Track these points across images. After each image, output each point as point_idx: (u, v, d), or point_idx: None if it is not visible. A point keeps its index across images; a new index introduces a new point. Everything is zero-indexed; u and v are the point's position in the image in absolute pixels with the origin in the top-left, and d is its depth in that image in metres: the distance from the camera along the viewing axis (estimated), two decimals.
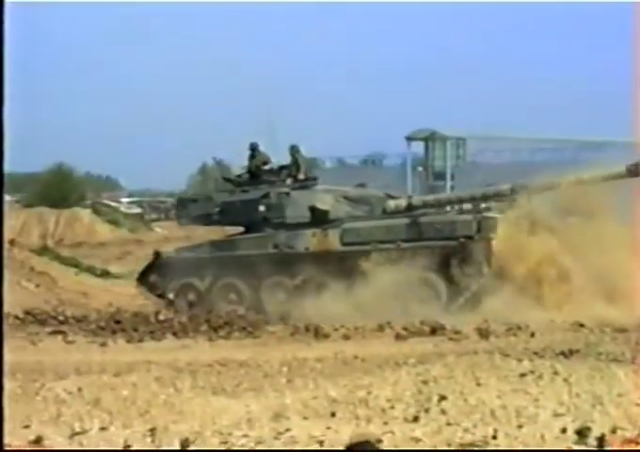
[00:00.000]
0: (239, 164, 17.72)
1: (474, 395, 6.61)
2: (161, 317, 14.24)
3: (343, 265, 15.06)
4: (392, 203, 16.24)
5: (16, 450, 5.85)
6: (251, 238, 16.43)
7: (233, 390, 8.57)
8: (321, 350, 11.05)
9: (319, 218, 15.96)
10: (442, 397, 6.57)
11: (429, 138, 44.31)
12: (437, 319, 12.80)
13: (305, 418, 6.35)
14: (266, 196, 16.51)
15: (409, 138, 43.88)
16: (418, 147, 44.79)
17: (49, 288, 19.02)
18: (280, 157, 17.33)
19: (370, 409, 6.46)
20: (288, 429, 6.02)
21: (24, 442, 5.91)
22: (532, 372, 7.31)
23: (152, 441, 5.94)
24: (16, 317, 14.61)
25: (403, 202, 16.31)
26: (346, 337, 12.42)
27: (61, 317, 14.64)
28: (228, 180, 18.27)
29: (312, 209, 16.06)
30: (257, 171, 17.62)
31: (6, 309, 15.44)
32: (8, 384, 7.08)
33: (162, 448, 5.88)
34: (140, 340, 12.76)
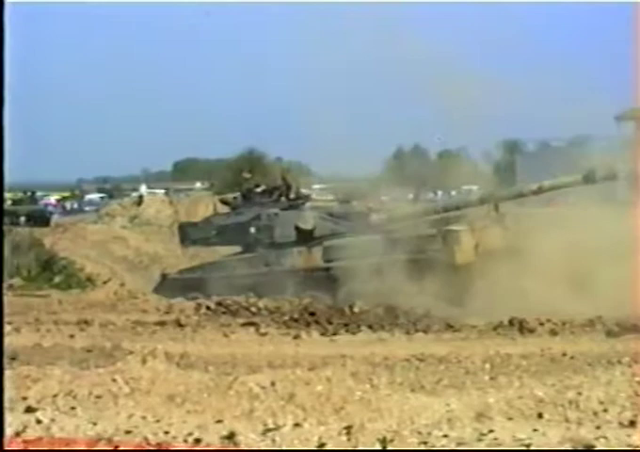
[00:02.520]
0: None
1: None
2: (356, 310, 14.33)
3: (327, 279, 16.52)
4: (374, 217, 17.71)
5: (16, 450, 6.02)
6: (245, 259, 18.20)
7: (433, 387, 8.56)
8: (526, 346, 10.88)
9: (304, 237, 17.61)
10: None
11: None
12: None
13: (510, 419, 6.26)
14: (257, 218, 18.40)
15: (619, 118, 42.26)
16: (628, 128, 43.04)
17: None
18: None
19: (580, 411, 6.30)
20: (491, 431, 5.95)
21: (216, 437, 6.09)
22: None
23: (349, 439, 6.00)
24: (208, 308, 15.06)
25: (384, 216, 17.70)
26: (554, 332, 12.16)
27: (254, 308, 14.94)
28: (225, 202, 20.81)
29: (297, 229, 17.70)
30: (249, 194, 19.66)
31: (199, 300, 16.02)
32: (201, 377, 7.34)
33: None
34: (335, 333, 12.91)
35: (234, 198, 20.40)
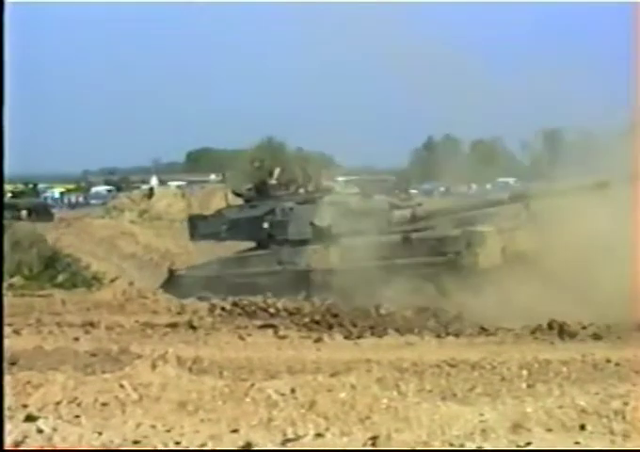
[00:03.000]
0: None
1: None
2: (382, 311, 14.29)
3: (342, 280, 16.25)
4: (396, 214, 17.80)
5: (16, 450, 6.04)
6: (258, 256, 18.36)
7: (465, 395, 8.53)
8: (567, 351, 10.82)
9: (319, 235, 17.61)
10: None
11: None
12: None
13: (549, 430, 6.22)
14: (271, 212, 18.45)
15: None
16: None
17: None
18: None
19: (627, 422, 6.25)
20: (529, 443, 5.92)
21: (231, 448, 6.07)
22: None
23: (374, 451, 5.98)
24: (223, 309, 15.06)
25: (407, 214, 17.80)
26: (597, 337, 12.09)
27: (272, 309, 14.93)
28: (238, 194, 20.72)
29: (313, 225, 17.74)
30: (262, 186, 19.68)
31: (213, 301, 16.02)
32: (215, 382, 7.33)
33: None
34: (359, 336, 12.88)
35: (249, 190, 20.40)
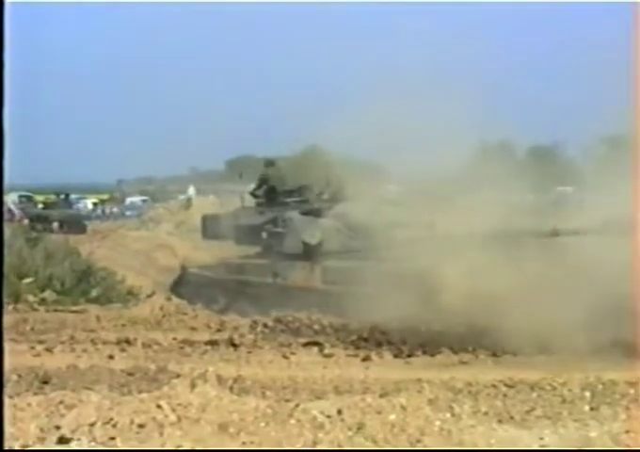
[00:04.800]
0: None
1: None
2: (434, 327, 14.23)
3: (324, 299, 16.28)
4: (399, 233, 17.00)
5: (16, 450, 6.04)
6: (258, 265, 18.71)
7: (523, 418, 8.47)
8: (634, 372, 10.71)
9: (309, 252, 17.62)
10: None
11: None
12: None
13: None
14: (273, 221, 18.76)
15: None
16: None
17: None
18: None
19: None
20: None
21: None
22: None
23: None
24: (265, 326, 15.08)
25: (409, 234, 17.00)
26: None
27: (317, 326, 14.93)
28: (255, 196, 21.31)
29: (303, 241, 17.68)
30: (271, 191, 20.43)
31: (255, 317, 16.06)
32: (258, 403, 7.34)
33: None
34: (410, 354, 12.87)
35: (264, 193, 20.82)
